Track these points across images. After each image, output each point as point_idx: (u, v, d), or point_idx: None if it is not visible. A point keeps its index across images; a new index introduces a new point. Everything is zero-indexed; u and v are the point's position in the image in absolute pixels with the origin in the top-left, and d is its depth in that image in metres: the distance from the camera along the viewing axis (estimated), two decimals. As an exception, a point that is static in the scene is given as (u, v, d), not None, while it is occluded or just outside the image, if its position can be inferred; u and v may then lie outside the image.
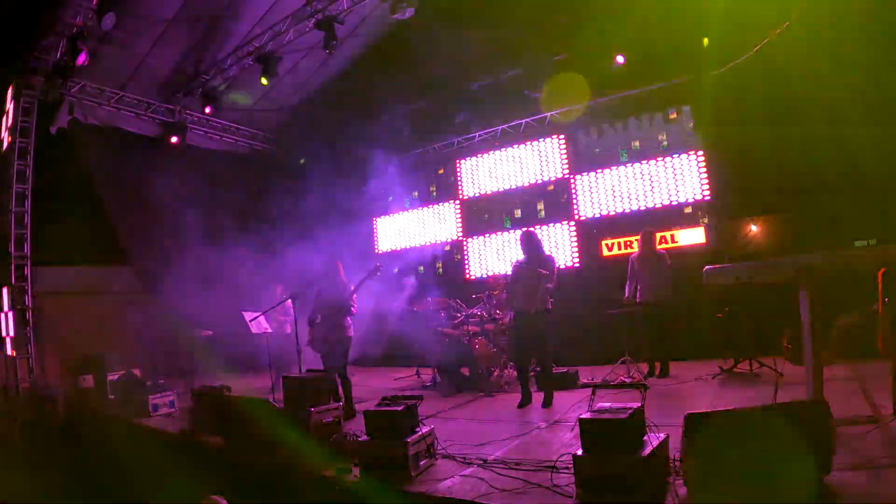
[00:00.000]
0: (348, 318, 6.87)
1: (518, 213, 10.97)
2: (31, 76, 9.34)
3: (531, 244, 6.76)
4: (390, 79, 11.76)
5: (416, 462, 4.38)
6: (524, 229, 7.17)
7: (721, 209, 9.05)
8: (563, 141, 10.52)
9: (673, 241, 9.27)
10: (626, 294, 7.91)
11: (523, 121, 10.80)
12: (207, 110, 11.07)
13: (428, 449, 4.60)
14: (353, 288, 6.91)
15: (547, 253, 6.96)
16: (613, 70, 9.21)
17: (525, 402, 6.66)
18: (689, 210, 9.26)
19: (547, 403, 6.46)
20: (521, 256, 6.87)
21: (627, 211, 9.81)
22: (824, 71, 7.98)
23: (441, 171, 12.11)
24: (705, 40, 8.42)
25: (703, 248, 9.02)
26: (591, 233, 9.98)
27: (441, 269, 11.97)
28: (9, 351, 9.46)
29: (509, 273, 7.02)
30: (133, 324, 10.42)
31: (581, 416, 3.67)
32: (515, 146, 11.08)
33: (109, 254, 10.59)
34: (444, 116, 10.99)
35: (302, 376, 5.55)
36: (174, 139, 11.06)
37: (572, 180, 10.40)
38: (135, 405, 8.28)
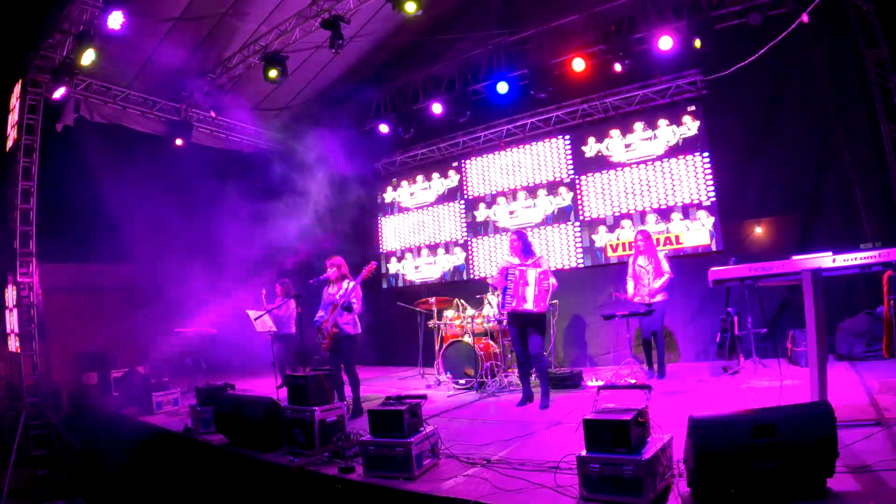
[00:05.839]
0: (354, 316, 6.87)
1: (523, 213, 10.97)
2: (38, 74, 9.37)
3: (522, 245, 6.75)
4: (396, 78, 11.80)
5: (419, 461, 4.39)
6: (514, 230, 7.19)
7: (726, 210, 9.05)
8: (569, 141, 10.53)
9: (678, 242, 9.27)
10: (628, 293, 7.87)
11: (528, 121, 10.80)
12: (212, 111, 11.11)
13: (431, 448, 4.61)
14: (353, 285, 6.91)
15: (538, 254, 6.94)
16: (620, 69, 9.20)
17: (525, 401, 6.69)
18: (694, 210, 9.26)
19: (544, 405, 6.48)
20: (509, 256, 6.84)
21: (632, 211, 9.80)
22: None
23: (450, 171, 12.13)
24: (697, 42, 8.44)
25: (707, 249, 9.03)
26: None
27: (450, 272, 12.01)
28: (13, 347, 9.50)
29: (496, 275, 6.94)
30: (137, 321, 10.45)
31: (585, 417, 3.67)
32: (521, 146, 11.09)
33: (115, 251, 10.61)
34: (450, 116, 10.98)
35: (306, 374, 5.56)
36: (179, 141, 11.10)
37: (577, 181, 10.40)
38: (138, 402, 8.32)
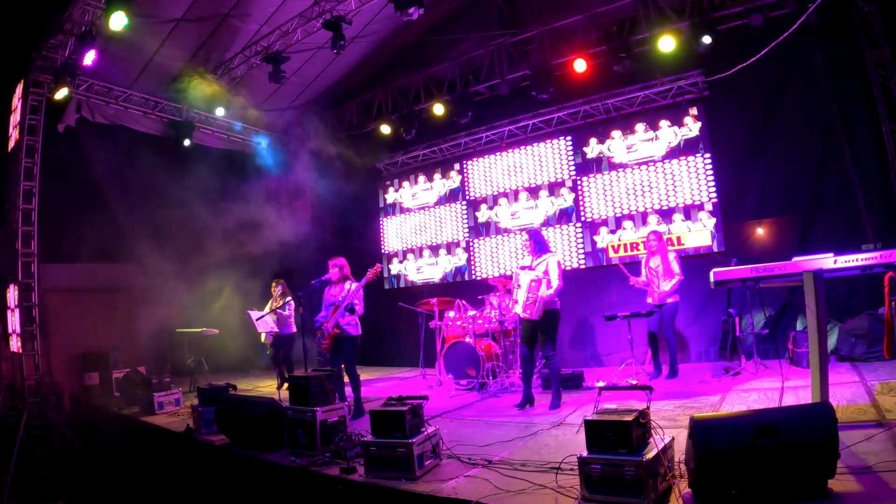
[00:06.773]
0: (354, 317, 6.88)
1: (524, 213, 10.97)
2: (40, 74, 9.36)
3: (533, 244, 6.67)
4: (397, 78, 11.81)
5: (421, 462, 4.39)
6: (527, 229, 7.12)
7: (728, 211, 9.05)
8: (570, 142, 10.53)
9: (679, 244, 9.26)
10: (638, 280, 7.84)
11: (530, 121, 10.79)
12: (218, 110, 11.13)
13: (433, 449, 4.61)
14: (357, 287, 6.92)
15: (551, 251, 6.83)
16: (620, 70, 9.20)
17: (525, 403, 6.68)
18: (695, 211, 9.26)
19: (554, 405, 6.47)
20: (526, 257, 6.76)
21: (634, 212, 9.80)
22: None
23: (450, 173, 12.14)
24: (706, 38, 8.42)
25: (709, 250, 9.03)
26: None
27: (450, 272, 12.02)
28: (15, 347, 9.50)
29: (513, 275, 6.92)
30: (139, 322, 10.46)
31: (587, 418, 3.67)
32: (522, 147, 11.09)
33: (116, 251, 10.63)
34: (451, 117, 10.98)
35: (307, 375, 5.56)
36: (187, 142, 11.16)
37: (579, 181, 10.40)
38: (140, 403, 8.33)
